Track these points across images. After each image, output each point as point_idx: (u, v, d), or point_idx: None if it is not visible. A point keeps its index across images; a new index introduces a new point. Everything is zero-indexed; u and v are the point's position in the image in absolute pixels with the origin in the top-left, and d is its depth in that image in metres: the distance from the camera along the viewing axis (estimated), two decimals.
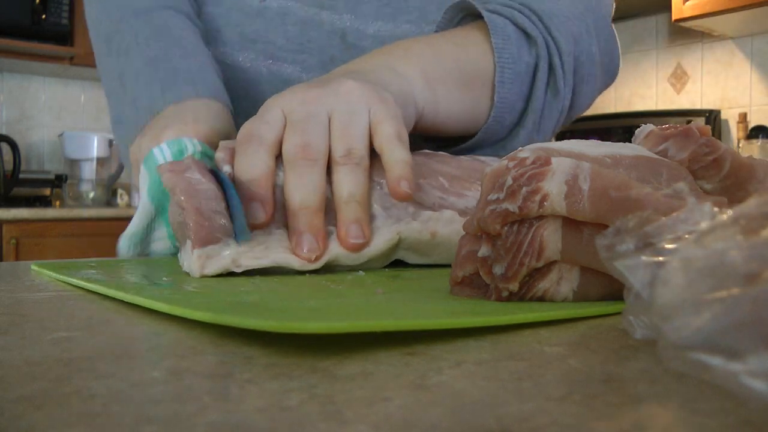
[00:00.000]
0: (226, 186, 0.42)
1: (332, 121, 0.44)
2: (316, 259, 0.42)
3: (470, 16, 0.63)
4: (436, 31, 0.64)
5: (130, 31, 0.63)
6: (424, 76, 0.54)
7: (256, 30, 0.68)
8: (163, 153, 0.51)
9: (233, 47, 0.69)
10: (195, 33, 0.65)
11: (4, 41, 2.70)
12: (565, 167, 0.29)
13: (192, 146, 0.51)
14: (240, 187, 0.42)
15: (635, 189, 0.28)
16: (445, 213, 0.46)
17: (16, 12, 2.69)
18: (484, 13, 0.58)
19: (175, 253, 0.53)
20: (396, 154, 0.43)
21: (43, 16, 2.73)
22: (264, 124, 0.44)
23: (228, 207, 0.42)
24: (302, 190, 0.42)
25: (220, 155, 0.45)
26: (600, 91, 0.69)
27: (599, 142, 0.34)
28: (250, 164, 0.43)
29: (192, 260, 0.40)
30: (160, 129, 0.55)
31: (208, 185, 0.42)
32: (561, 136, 2.07)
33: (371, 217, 0.44)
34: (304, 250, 0.42)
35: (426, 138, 0.61)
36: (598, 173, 0.29)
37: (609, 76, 0.69)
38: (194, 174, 0.42)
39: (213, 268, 0.40)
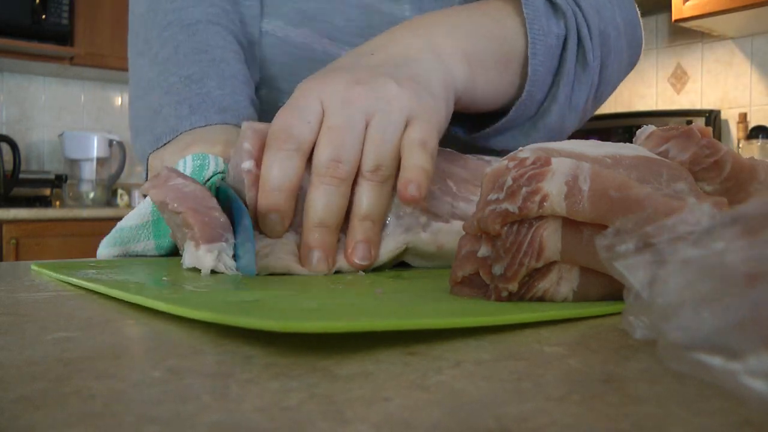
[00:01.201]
0: (240, 215, 0.41)
1: (369, 129, 0.43)
2: (368, 267, 0.42)
3: None
4: None
5: (173, 41, 0.62)
6: (466, 59, 0.53)
7: (315, 7, 0.66)
8: (185, 165, 0.50)
9: (288, 21, 0.67)
10: (236, 53, 0.63)
11: (4, 41, 2.70)
12: (565, 168, 0.29)
13: (215, 164, 0.50)
14: (263, 190, 0.42)
15: (635, 189, 0.28)
16: (455, 225, 0.45)
17: (16, 12, 2.69)
18: None
19: (156, 254, 0.53)
20: (414, 159, 0.42)
21: (43, 16, 2.73)
22: (303, 123, 0.43)
23: (234, 232, 0.41)
24: (324, 209, 0.42)
25: (246, 146, 0.44)
26: (627, 68, 0.68)
27: (599, 142, 0.34)
28: (282, 170, 0.42)
29: (202, 256, 0.40)
30: (186, 144, 0.55)
31: (193, 186, 0.42)
32: None
33: (384, 225, 0.44)
34: (313, 265, 0.42)
35: (455, 118, 0.61)
36: (598, 174, 0.29)
37: (633, 51, 0.68)
38: (177, 180, 0.42)
39: (220, 265, 0.40)
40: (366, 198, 0.43)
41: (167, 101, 0.59)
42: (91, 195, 2.95)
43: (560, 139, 0.47)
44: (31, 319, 0.28)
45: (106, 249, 0.53)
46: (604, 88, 0.66)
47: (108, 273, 0.40)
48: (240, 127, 0.55)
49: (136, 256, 0.53)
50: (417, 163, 0.42)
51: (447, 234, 0.45)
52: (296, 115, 0.43)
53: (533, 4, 0.58)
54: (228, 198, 0.44)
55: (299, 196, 0.43)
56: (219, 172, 0.50)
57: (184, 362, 0.21)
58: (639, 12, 0.69)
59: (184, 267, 0.42)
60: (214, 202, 0.41)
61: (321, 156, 0.42)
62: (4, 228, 2.44)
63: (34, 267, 0.45)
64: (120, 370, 0.20)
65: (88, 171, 2.94)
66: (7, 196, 2.72)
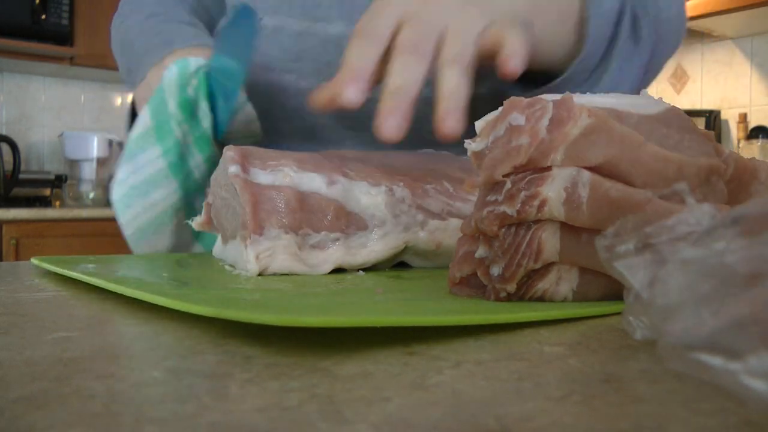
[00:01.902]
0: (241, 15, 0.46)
1: (449, 30, 0.44)
2: (397, 140, 0.42)
3: None
4: None
5: (137, 27, 0.70)
6: (534, 6, 0.53)
7: None
8: (170, 72, 0.55)
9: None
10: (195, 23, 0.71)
11: (4, 41, 2.70)
12: (565, 174, 0.29)
13: (196, 63, 0.55)
14: (388, 93, 0.42)
15: (635, 196, 0.28)
16: (452, 222, 0.45)
17: (16, 12, 2.69)
18: None
19: (164, 161, 0.55)
20: (447, 82, 0.42)
21: (43, 16, 2.73)
22: (426, 32, 0.44)
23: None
24: (406, 76, 0.42)
25: (230, 153, 0.45)
26: (668, 60, 0.69)
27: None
28: (409, 74, 0.43)
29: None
30: (163, 60, 0.60)
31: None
32: None
33: (380, 223, 0.44)
34: (388, 128, 0.41)
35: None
36: (597, 181, 0.29)
37: (675, 44, 0.68)
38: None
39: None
40: (447, 79, 0.43)
41: (137, 48, 0.67)
42: (91, 195, 2.95)
43: None
44: (31, 319, 0.28)
45: (127, 210, 0.55)
46: (650, 75, 0.65)
47: (107, 268, 0.40)
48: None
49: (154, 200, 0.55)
50: (450, 85, 0.42)
51: (444, 231, 0.45)
52: (417, 26, 0.44)
53: None
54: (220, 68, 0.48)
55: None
56: (203, 65, 0.55)
57: (184, 362, 0.21)
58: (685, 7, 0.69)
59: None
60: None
61: (403, 36, 0.44)
62: (4, 228, 2.44)
63: (34, 261, 0.45)
64: (120, 370, 0.20)
65: (88, 171, 2.94)
66: (7, 196, 2.72)
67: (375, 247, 0.44)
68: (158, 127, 0.55)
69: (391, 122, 0.42)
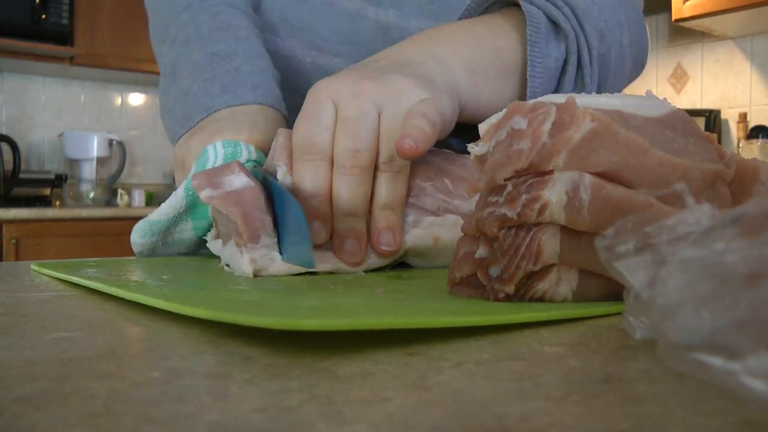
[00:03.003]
0: (283, 197, 0.41)
1: (381, 121, 0.44)
2: (359, 264, 0.43)
3: (500, 2, 0.62)
4: (465, 14, 0.63)
5: (193, 22, 0.61)
6: (469, 69, 0.53)
7: (302, 18, 0.67)
8: (216, 152, 0.50)
9: (276, 33, 0.67)
10: (259, 36, 0.63)
11: (4, 41, 2.70)
12: (567, 177, 0.29)
13: (247, 151, 0.50)
14: (300, 200, 0.42)
15: (637, 200, 0.28)
16: (449, 218, 0.45)
17: (16, 12, 2.69)
18: (522, 3, 0.57)
19: (197, 242, 0.53)
20: (414, 121, 0.42)
21: (43, 16, 2.73)
22: (322, 130, 0.44)
23: (276, 219, 0.42)
24: (351, 198, 0.43)
25: (282, 166, 0.45)
26: (627, 84, 0.68)
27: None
28: (313, 179, 0.43)
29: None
30: (213, 132, 0.53)
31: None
32: None
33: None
34: (347, 253, 0.42)
35: (456, 130, 0.61)
36: (599, 184, 0.29)
37: (637, 67, 0.68)
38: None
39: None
40: (384, 188, 0.44)
41: (195, 79, 0.58)
42: (91, 195, 2.95)
43: None
44: (31, 319, 0.28)
45: (141, 239, 0.53)
46: None
47: (108, 272, 0.40)
48: (271, 109, 0.56)
49: (172, 242, 0.53)
50: (416, 124, 0.42)
51: (441, 226, 0.45)
52: (314, 123, 0.45)
53: (536, 26, 0.57)
54: (272, 189, 0.44)
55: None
56: (252, 160, 0.50)
57: (184, 362, 0.21)
58: (648, 33, 0.69)
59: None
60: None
61: (340, 148, 0.44)
62: (4, 228, 2.44)
63: (33, 267, 0.45)
64: (120, 370, 0.20)
65: (88, 171, 2.94)
66: (7, 196, 2.72)
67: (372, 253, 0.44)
68: (192, 207, 0.51)
69: (386, 237, 0.43)
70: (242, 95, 0.56)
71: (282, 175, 0.45)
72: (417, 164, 0.47)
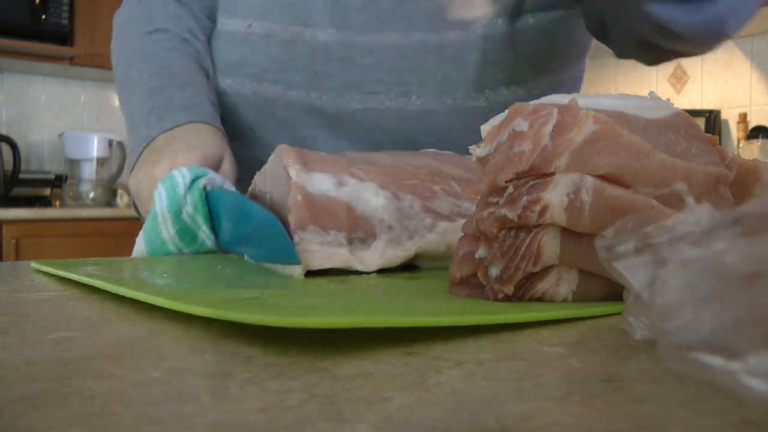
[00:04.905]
0: (246, 205, 0.44)
1: None
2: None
3: None
4: None
5: (138, 72, 0.69)
6: None
7: (242, 55, 0.70)
8: (160, 198, 0.52)
9: (222, 74, 0.72)
10: (196, 69, 0.69)
11: (4, 41, 2.70)
12: (568, 180, 0.29)
13: (182, 178, 0.52)
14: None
15: (638, 203, 0.28)
16: (461, 223, 0.45)
17: (16, 12, 2.69)
18: None
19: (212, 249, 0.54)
20: None
21: (43, 16, 2.73)
22: None
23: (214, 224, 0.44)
24: None
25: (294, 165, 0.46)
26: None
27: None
28: None
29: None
30: (151, 164, 0.58)
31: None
32: None
33: (388, 230, 0.44)
34: None
35: None
36: (600, 187, 0.29)
37: None
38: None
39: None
40: None
41: (137, 113, 0.66)
42: (91, 195, 2.95)
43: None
44: (31, 319, 0.28)
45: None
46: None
47: (108, 270, 0.40)
48: (205, 125, 0.62)
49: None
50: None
51: (454, 232, 0.45)
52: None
53: None
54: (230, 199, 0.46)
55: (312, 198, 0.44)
56: (188, 182, 0.52)
57: (184, 362, 0.21)
58: None
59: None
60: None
61: None
62: (4, 228, 2.44)
63: (34, 265, 0.45)
64: (120, 370, 0.20)
65: (88, 171, 2.94)
66: (7, 196, 2.72)
67: (385, 253, 0.43)
68: (154, 253, 0.53)
69: None
70: (175, 119, 0.62)
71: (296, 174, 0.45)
72: (423, 167, 0.47)
